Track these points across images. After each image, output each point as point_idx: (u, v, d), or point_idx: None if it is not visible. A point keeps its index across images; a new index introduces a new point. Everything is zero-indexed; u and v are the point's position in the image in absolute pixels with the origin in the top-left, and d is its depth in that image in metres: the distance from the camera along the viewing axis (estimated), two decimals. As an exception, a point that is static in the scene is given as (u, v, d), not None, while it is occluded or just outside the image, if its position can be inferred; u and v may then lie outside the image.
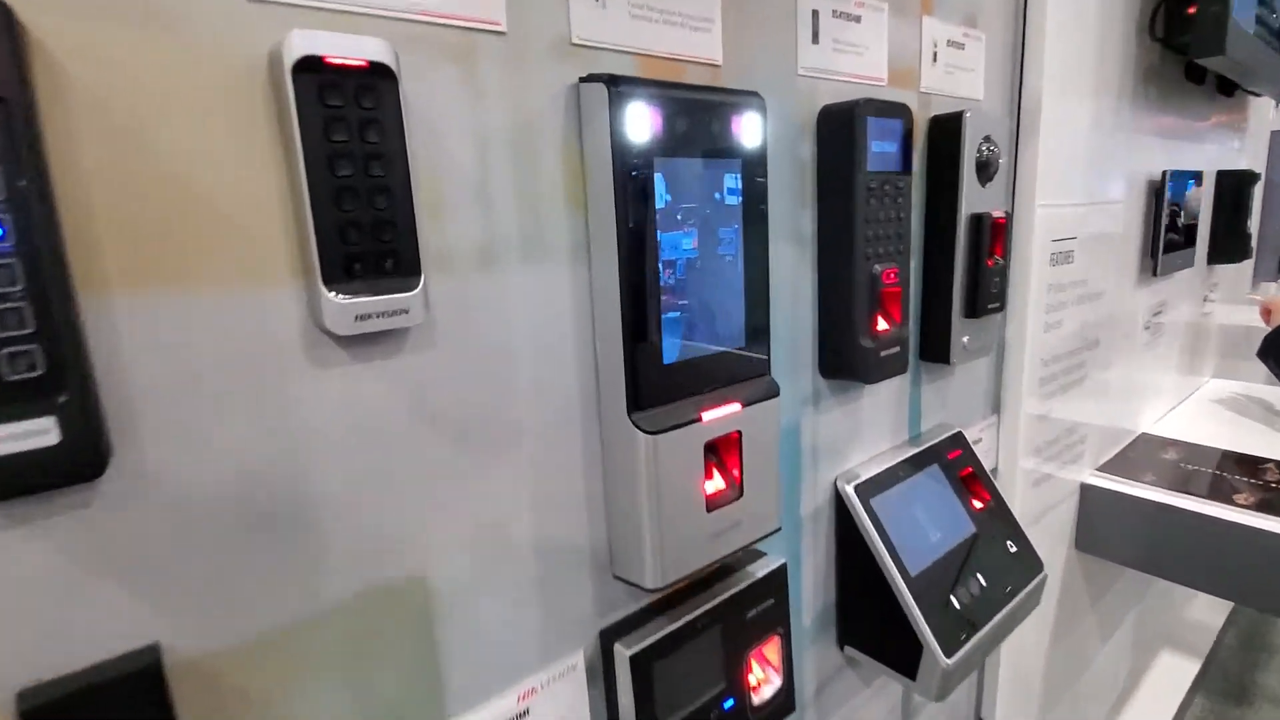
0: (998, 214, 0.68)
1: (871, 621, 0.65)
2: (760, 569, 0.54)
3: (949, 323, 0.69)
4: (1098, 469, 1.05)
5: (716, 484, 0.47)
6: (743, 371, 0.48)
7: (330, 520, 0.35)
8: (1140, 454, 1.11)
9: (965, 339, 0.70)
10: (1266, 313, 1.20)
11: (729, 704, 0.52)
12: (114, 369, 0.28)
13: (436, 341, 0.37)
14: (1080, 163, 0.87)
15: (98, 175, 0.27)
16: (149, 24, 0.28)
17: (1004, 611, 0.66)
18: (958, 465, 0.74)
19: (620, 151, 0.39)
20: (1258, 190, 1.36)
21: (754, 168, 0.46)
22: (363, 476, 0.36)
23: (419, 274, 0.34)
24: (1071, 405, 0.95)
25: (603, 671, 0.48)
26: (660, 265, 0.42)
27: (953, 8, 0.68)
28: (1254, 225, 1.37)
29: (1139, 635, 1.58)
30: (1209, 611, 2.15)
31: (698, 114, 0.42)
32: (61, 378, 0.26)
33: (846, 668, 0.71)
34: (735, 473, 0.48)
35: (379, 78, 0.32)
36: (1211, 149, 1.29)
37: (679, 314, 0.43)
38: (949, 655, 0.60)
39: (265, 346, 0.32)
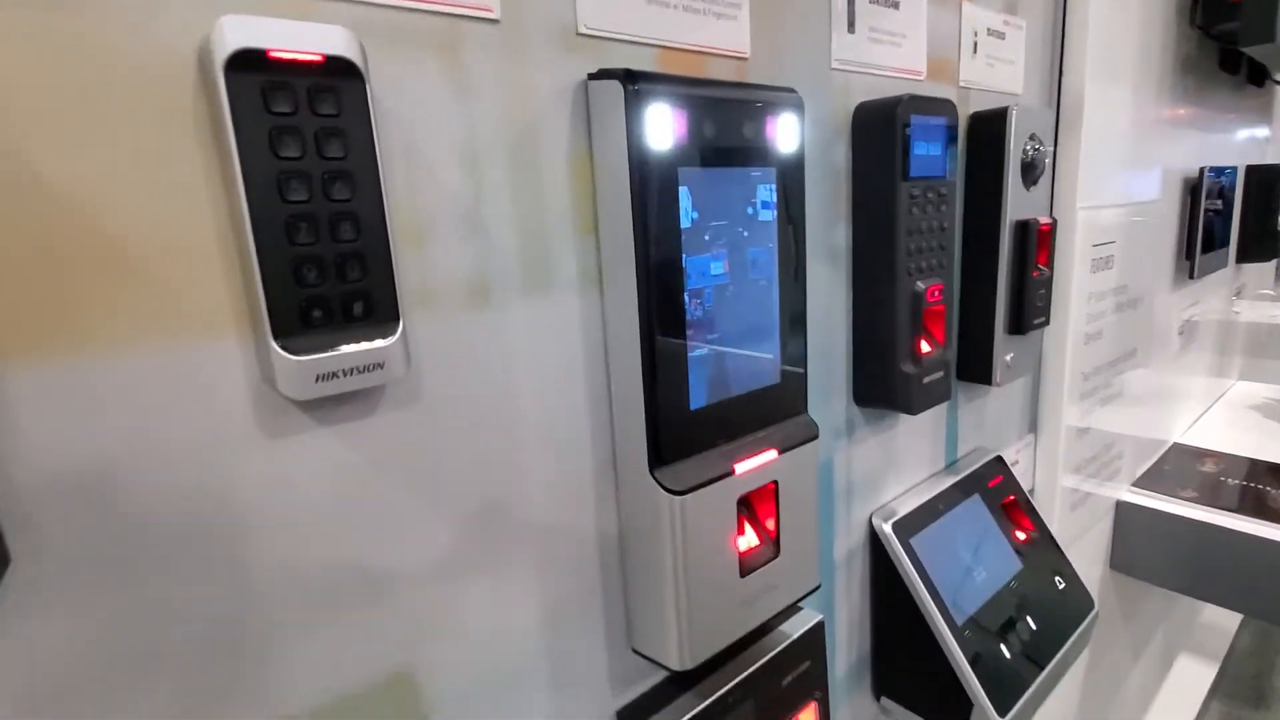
0: (1043, 221, 0.62)
1: (913, 672, 0.59)
2: (796, 628, 0.48)
3: (991, 340, 0.63)
4: (1133, 484, 0.99)
5: (749, 540, 0.41)
6: (778, 411, 0.42)
7: (289, 620, 0.28)
8: (1175, 466, 1.05)
9: (1009, 357, 0.64)
10: None
11: (764, 785, 0.45)
12: (5, 459, 0.22)
13: (421, 396, 0.31)
14: (1120, 160, 0.81)
15: (-35, 208, 0.21)
16: (31, 6, 0.21)
17: (1057, 657, 0.60)
18: (999, 493, 0.68)
19: (639, 161, 0.33)
20: None
21: (792, 177, 0.40)
22: (331, 566, 0.29)
23: (397, 319, 0.28)
24: (1110, 419, 0.89)
25: (621, 759, 0.42)
26: (686, 296, 0.35)
27: (993, -8, 0.62)
28: (1284, 222, 1.31)
29: (1159, 643, 1.53)
30: (1224, 614, 2.10)
31: (729, 115, 0.36)
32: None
33: (880, 717, 0.65)
34: (771, 527, 0.41)
35: (340, 76, 0.25)
36: (1241, 142, 1.23)
37: (707, 351, 0.37)
38: (1003, 713, 0.54)
39: (204, 417, 0.25)
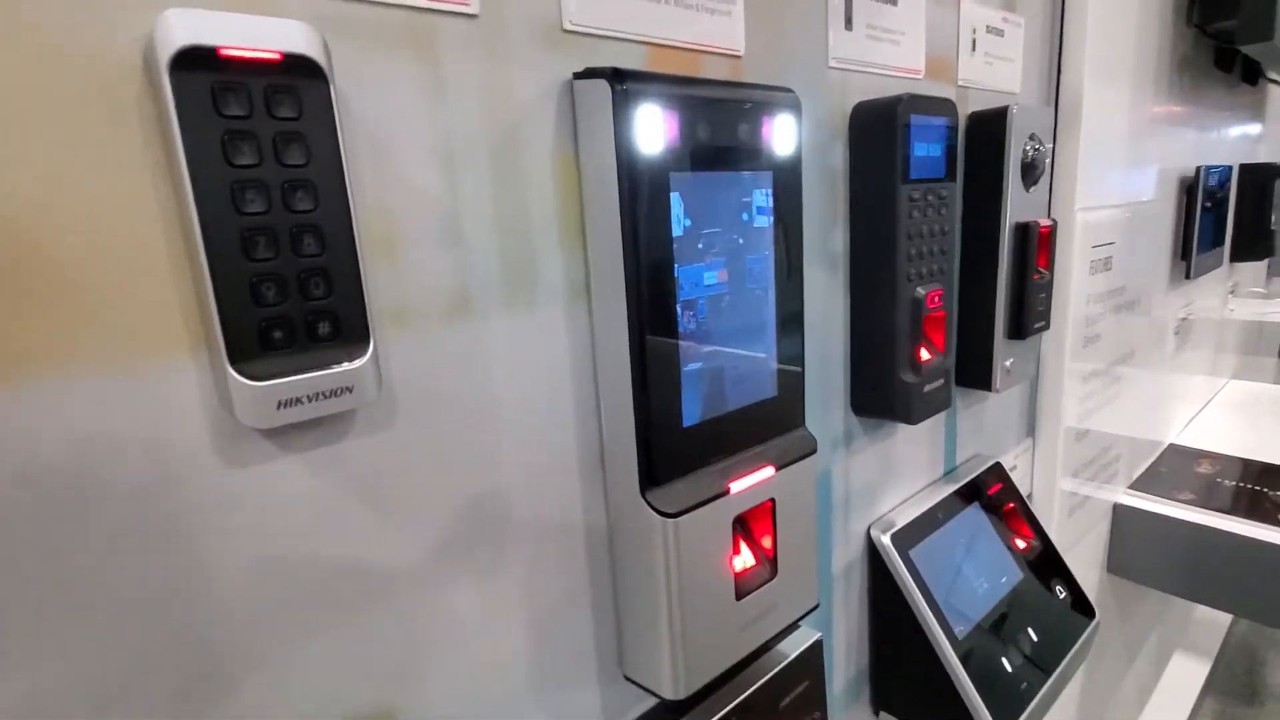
0: (1044, 223, 0.61)
1: (913, 687, 0.58)
2: (793, 647, 0.47)
3: (991, 346, 0.61)
4: (1130, 487, 0.98)
5: (745, 561, 0.39)
6: (775, 426, 0.40)
7: (260, 662, 0.26)
8: (1171, 468, 1.04)
9: (1008, 363, 0.63)
10: None
11: (761, 812, 0.44)
12: (-80, 498, 0.20)
13: (396, 420, 0.29)
14: (1118, 160, 0.79)
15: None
16: (-52, 1, 0.19)
17: (1059, 669, 0.59)
18: (999, 501, 0.66)
19: (628, 166, 0.31)
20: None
21: (788, 180, 0.38)
22: (300, 604, 0.27)
23: (367, 339, 0.25)
24: (1107, 421, 0.88)
25: (613, 790, 0.40)
26: (679, 307, 0.33)
27: (992, -12, 0.60)
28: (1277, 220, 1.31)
29: (1154, 642, 1.53)
30: (1217, 611, 2.12)
31: (723, 117, 0.34)
32: None
33: (880, 730, 0.64)
34: (768, 546, 0.40)
35: (300, 76, 0.23)
36: (1235, 141, 1.23)
37: (701, 364, 0.35)
38: (1005, 730, 0.52)
39: (155, 448, 0.23)
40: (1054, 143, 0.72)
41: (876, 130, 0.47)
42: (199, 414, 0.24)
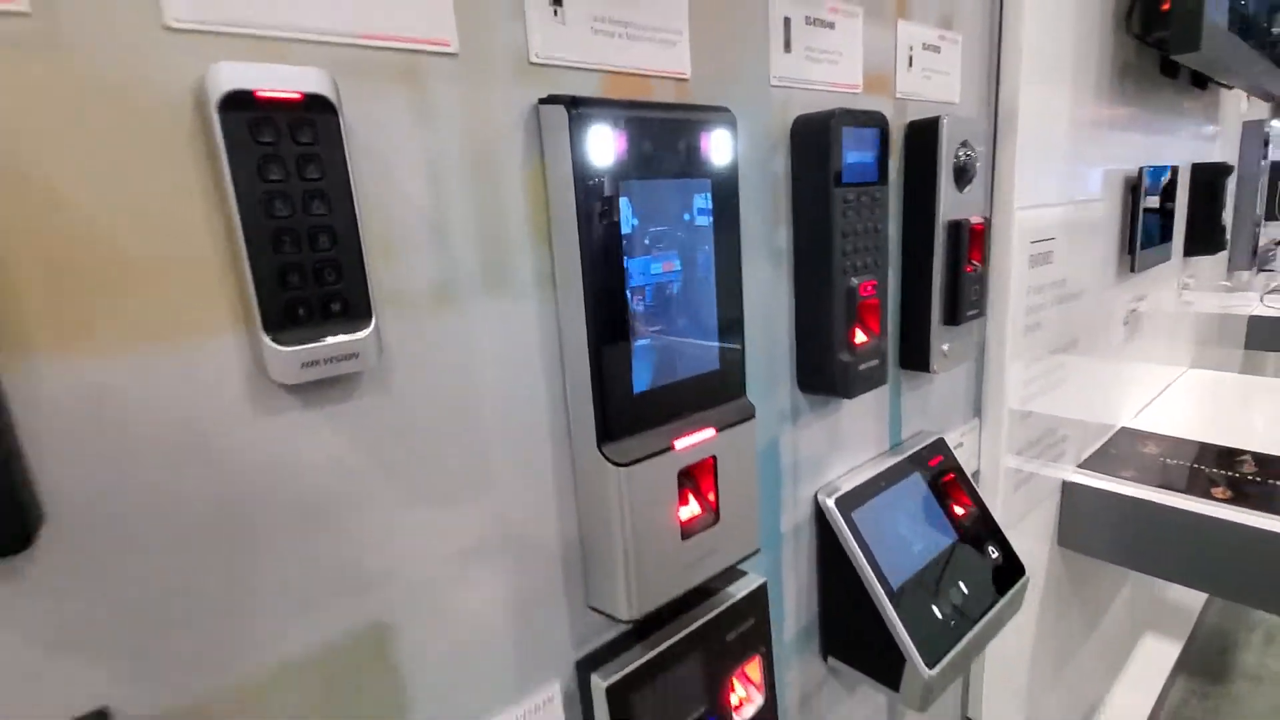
0: (976, 220, 0.68)
1: (855, 634, 0.65)
2: (740, 589, 0.54)
3: (928, 331, 0.68)
4: (1079, 465, 1.06)
5: (691, 510, 0.46)
6: (717, 395, 0.47)
7: (282, 574, 0.33)
8: (1121, 449, 1.12)
9: (945, 347, 0.70)
10: None
11: (710, 729, 0.51)
12: (42, 434, 0.27)
13: (393, 384, 0.35)
14: (1059, 162, 0.86)
15: (10, 232, 0.25)
16: (48, 59, 0.26)
17: (986, 619, 0.66)
18: (939, 472, 0.73)
19: (583, 176, 0.37)
20: (1230, 182, 1.37)
21: (725, 186, 0.45)
22: (319, 528, 0.34)
23: (369, 316, 0.32)
24: (1052, 404, 0.95)
25: (580, 702, 0.47)
26: (629, 293, 0.40)
27: (929, 10, 0.67)
28: (1228, 217, 1.38)
29: (1123, 621, 1.61)
30: (1190, 594, 2.19)
31: (665, 134, 0.41)
32: (-25, 448, 0.24)
33: (830, 678, 0.71)
34: (711, 498, 0.47)
35: (316, 110, 0.30)
36: (1186, 142, 1.30)
37: (650, 341, 0.42)
38: (931, 666, 0.60)
39: (207, 400, 0.30)
40: (994, 147, 0.79)
41: (813, 141, 0.54)
42: (241, 373, 0.31)
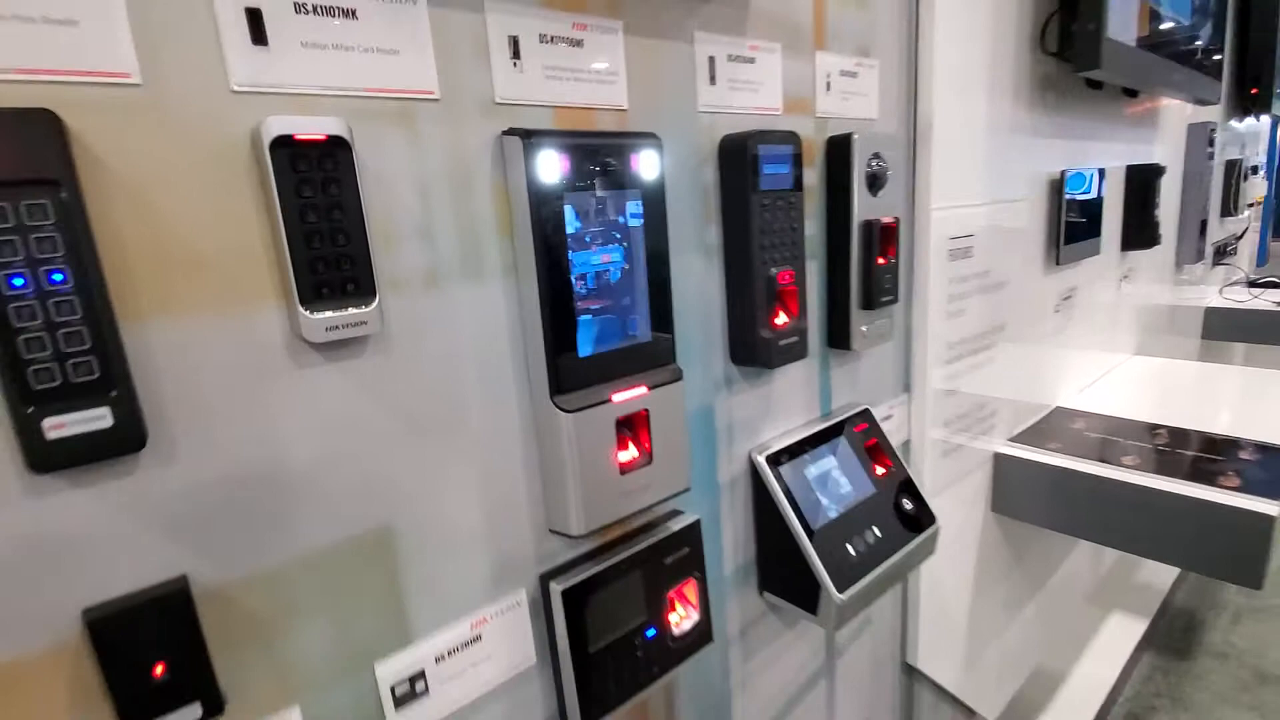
0: (887, 219, 0.79)
1: (783, 569, 0.77)
2: (677, 524, 0.66)
3: (849, 315, 0.80)
4: (1011, 439, 1.17)
5: (630, 453, 0.58)
6: (650, 360, 0.59)
7: (313, 485, 0.45)
8: (1052, 425, 1.23)
9: (864, 328, 0.82)
10: None
11: (651, 633, 0.63)
12: (149, 373, 0.39)
13: (393, 346, 0.48)
14: (978, 167, 0.98)
15: (130, 234, 0.38)
16: (154, 115, 0.38)
17: (896, 557, 0.78)
18: (863, 437, 0.85)
19: (535, 190, 0.49)
20: (1174, 182, 1.48)
21: (653, 195, 0.57)
22: (338, 451, 0.46)
23: (374, 294, 0.44)
24: (980, 383, 1.07)
25: (543, 606, 0.59)
26: (573, 279, 0.52)
27: (845, 41, 0.78)
28: (1162, 214, 1.49)
29: (1078, 593, 1.72)
30: (1158, 574, 2.30)
31: (600, 156, 0.53)
32: (111, 379, 0.36)
33: (769, 613, 0.83)
34: (645, 443, 0.59)
35: (336, 147, 0.42)
36: (1121, 145, 1.41)
37: (591, 317, 0.54)
38: (842, 591, 0.71)
39: (259, 352, 0.42)
40: (914, 155, 0.90)
41: (734, 157, 0.65)
42: (282, 334, 0.43)
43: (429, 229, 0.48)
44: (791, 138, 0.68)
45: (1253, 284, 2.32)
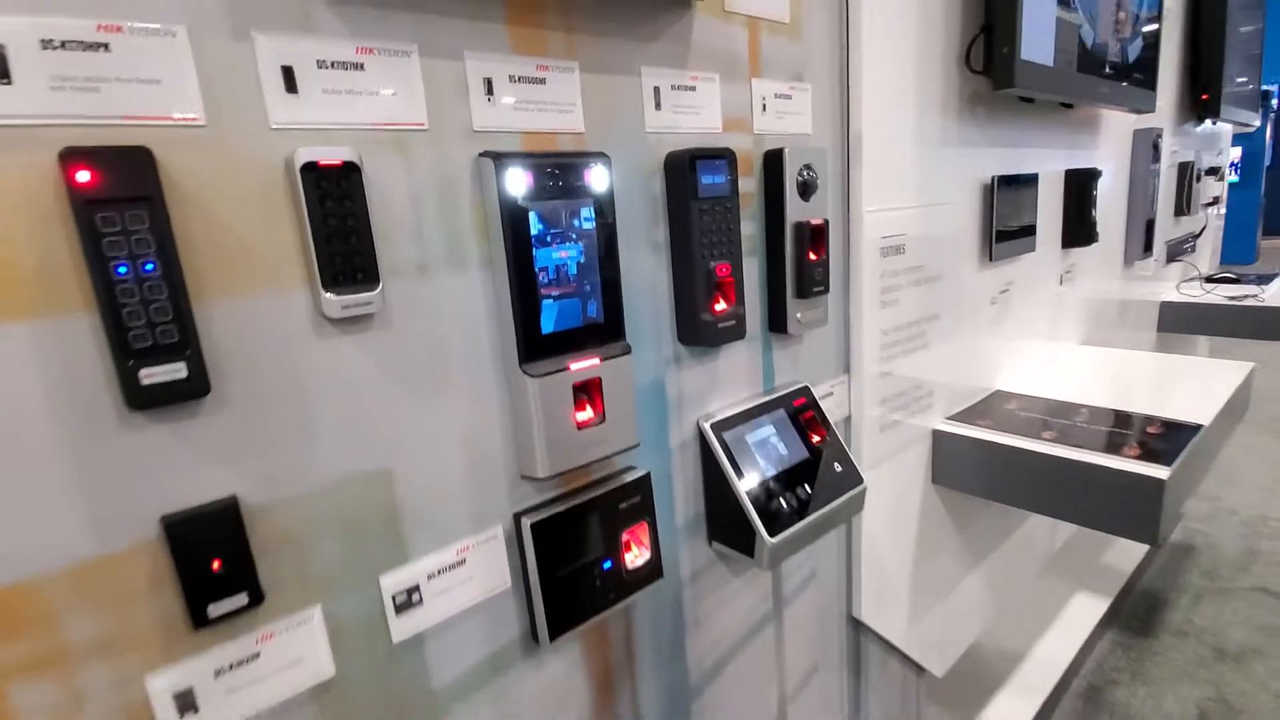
0: (817, 221, 0.92)
1: (727, 521, 0.90)
2: (630, 476, 0.79)
3: (785, 303, 0.93)
4: (949, 417, 1.30)
5: (586, 414, 0.71)
6: (603, 337, 0.72)
7: (331, 430, 0.58)
8: (988, 406, 1.36)
9: (799, 315, 0.95)
10: None
11: (607, 565, 0.76)
12: (212, 338, 0.52)
13: (393, 322, 0.61)
14: (908, 174, 1.11)
15: (199, 235, 0.51)
16: (216, 148, 0.51)
17: (823, 510, 0.91)
18: (801, 411, 0.98)
19: (504, 201, 0.63)
20: (1121, 184, 1.61)
21: (604, 203, 0.70)
22: (350, 405, 0.59)
23: (378, 281, 0.57)
24: (915, 366, 1.20)
25: (516, 539, 0.72)
26: (537, 271, 0.65)
27: (779, 69, 0.91)
28: (1102, 214, 1.62)
29: (1032, 568, 1.84)
30: (1122, 556, 2.42)
31: (558, 171, 0.66)
32: (186, 342, 0.50)
33: (718, 561, 0.96)
34: (599, 405, 0.72)
35: (350, 170, 0.55)
36: (1063, 152, 1.54)
37: (553, 301, 0.67)
38: (772, 536, 0.85)
39: (292, 324, 0.55)
40: (847, 164, 1.03)
41: (677, 170, 0.79)
42: (309, 310, 0.56)
43: (421, 231, 0.61)
44: (726, 153, 0.81)
45: (1209, 279, 2.45)
